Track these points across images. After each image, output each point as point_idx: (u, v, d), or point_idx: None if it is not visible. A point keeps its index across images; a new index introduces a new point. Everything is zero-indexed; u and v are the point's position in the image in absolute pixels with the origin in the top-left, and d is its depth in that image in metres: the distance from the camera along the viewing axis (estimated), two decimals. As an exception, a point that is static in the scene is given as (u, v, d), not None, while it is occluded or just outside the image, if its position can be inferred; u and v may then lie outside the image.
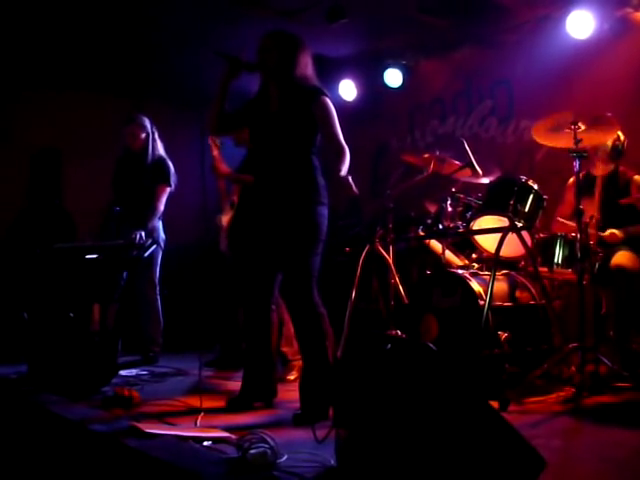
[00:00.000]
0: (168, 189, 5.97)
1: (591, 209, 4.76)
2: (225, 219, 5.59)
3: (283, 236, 3.96)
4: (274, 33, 4.10)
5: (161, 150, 6.08)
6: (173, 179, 5.99)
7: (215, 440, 3.28)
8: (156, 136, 6.07)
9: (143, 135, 5.98)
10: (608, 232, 4.74)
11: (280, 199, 3.98)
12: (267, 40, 4.07)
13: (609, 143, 4.94)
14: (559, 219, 5.08)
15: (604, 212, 4.84)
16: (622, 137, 4.98)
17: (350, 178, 3.83)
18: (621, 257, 4.65)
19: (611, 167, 5.02)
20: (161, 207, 5.95)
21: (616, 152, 4.99)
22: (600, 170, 5.05)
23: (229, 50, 4.06)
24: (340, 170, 3.82)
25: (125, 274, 5.84)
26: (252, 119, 4.18)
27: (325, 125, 3.99)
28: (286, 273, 4.03)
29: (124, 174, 6.04)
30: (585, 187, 4.90)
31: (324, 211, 4.00)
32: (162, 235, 6.04)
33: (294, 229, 3.94)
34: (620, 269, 4.59)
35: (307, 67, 4.09)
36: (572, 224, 4.72)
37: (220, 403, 4.19)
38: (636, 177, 4.92)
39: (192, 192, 6.99)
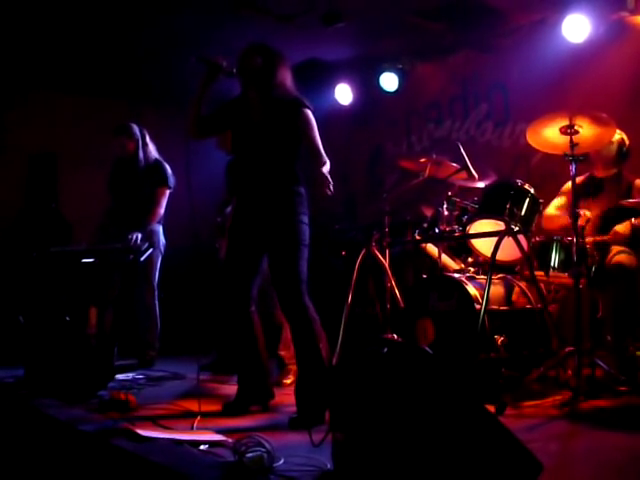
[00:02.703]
0: (168, 191, 5.96)
1: (593, 211, 4.77)
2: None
3: (267, 244, 4.06)
4: (256, 44, 4.19)
5: (154, 153, 6.07)
6: (171, 180, 5.98)
7: (211, 444, 3.28)
8: (147, 140, 6.04)
9: (132, 144, 5.97)
10: (611, 233, 4.73)
11: (263, 208, 4.07)
12: (249, 50, 4.16)
13: (614, 147, 4.95)
14: (546, 213, 5.09)
15: (605, 215, 4.85)
16: (627, 141, 4.99)
17: (329, 177, 3.91)
18: (619, 256, 4.64)
19: (614, 170, 5.03)
20: (161, 210, 5.94)
21: (621, 156, 5.00)
22: (602, 173, 5.06)
23: (216, 54, 4.11)
24: (319, 168, 3.94)
25: (121, 278, 5.84)
26: (235, 126, 4.25)
27: (307, 137, 4.07)
28: (275, 280, 4.07)
29: (120, 178, 6.03)
30: (589, 190, 4.92)
31: (305, 218, 4.08)
32: (162, 239, 6.03)
33: (277, 237, 4.02)
34: (619, 266, 4.58)
35: (286, 79, 4.17)
36: (563, 219, 4.74)
37: (216, 407, 4.18)
38: (638, 181, 4.93)
39: (187, 195, 6.97)
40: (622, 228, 4.73)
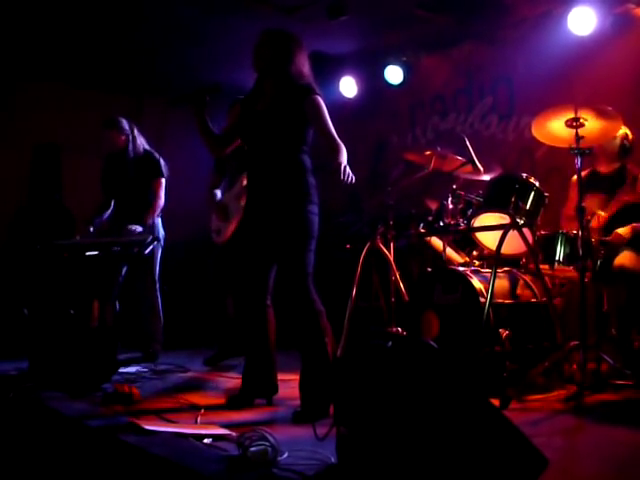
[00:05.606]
0: (163, 180, 5.94)
1: (596, 206, 4.75)
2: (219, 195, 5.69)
3: (275, 235, 4.00)
4: (271, 31, 4.10)
5: (144, 145, 6.05)
6: (165, 169, 5.97)
7: (215, 437, 3.28)
8: (136, 133, 6.02)
9: (121, 138, 5.95)
10: (613, 235, 4.70)
11: (271, 199, 4.02)
12: (263, 38, 4.08)
13: (617, 142, 4.94)
14: (566, 214, 5.08)
15: (614, 213, 4.83)
16: (630, 136, 4.97)
17: (346, 167, 3.73)
18: (623, 257, 4.60)
19: (617, 165, 5.01)
20: (161, 202, 5.92)
21: (624, 150, 4.98)
22: (605, 167, 5.04)
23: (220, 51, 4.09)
24: (337, 159, 3.75)
25: (125, 271, 5.84)
26: (242, 118, 4.21)
27: (317, 123, 3.96)
28: (281, 271, 4.05)
29: (112, 173, 6.03)
30: (591, 184, 4.90)
31: (314, 209, 4.01)
32: (162, 232, 6.02)
33: (285, 228, 3.97)
34: (622, 270, 4.55)
35: (303, 66, 4.08)
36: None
37: (220, 400, 4.19)
38: None
39: (189, 187, 6.96)
40: (623, 231, 4.70)
